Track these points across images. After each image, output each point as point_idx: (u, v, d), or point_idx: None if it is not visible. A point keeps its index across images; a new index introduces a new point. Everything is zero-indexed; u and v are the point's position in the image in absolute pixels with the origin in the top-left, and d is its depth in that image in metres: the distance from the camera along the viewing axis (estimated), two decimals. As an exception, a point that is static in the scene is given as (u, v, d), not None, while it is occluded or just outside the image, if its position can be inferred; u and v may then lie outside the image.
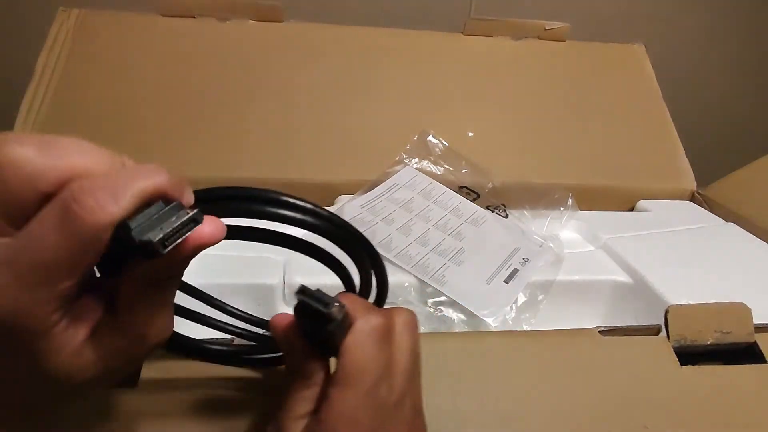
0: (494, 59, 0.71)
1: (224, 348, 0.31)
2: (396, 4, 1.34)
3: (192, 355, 0.30)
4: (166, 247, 0.17)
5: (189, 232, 0.17)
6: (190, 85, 0.62)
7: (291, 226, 0.21)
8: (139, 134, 0.58)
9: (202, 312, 0.31)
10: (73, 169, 0.17)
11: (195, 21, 0.67)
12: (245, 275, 0.43)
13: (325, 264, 0.25)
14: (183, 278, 0.31)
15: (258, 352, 0.32)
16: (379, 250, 0.47)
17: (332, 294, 0.23)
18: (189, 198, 0.19)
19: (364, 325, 0.22)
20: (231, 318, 0.33)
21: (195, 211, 0.18)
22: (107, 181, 0.17)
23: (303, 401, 0.23)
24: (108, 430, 0.28)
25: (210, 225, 0.19)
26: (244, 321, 0.33)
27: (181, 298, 0.31)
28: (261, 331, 0.32)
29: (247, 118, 0.61)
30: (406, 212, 0.53)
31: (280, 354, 0.30)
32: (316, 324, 0.22)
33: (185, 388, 0.30)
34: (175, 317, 0.30)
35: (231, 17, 0.67)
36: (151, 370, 0.31)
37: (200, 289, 0.32)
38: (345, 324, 0.22)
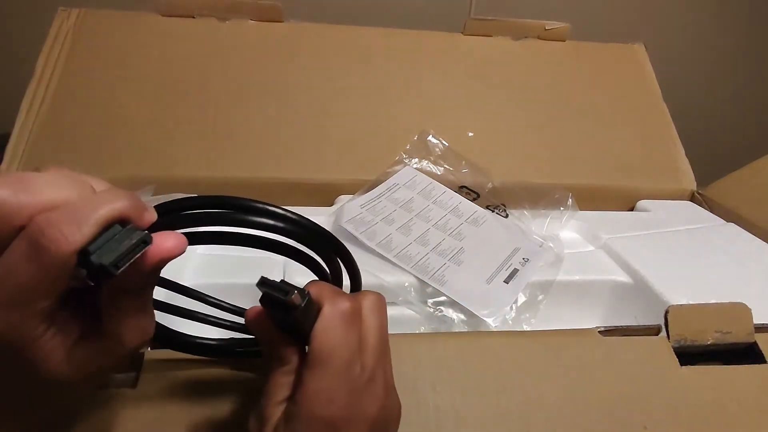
0: (494, 59, 0.71)
1: (220, 342, 0.31)
2: (396, 4, 1.34)
3: (188, 351, 0.31)
4: (119, 268, 0.18)
5: (140, 252, 0.19)
6: (190, 85, 0.62)
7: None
8: (139, 134, 0.58)
9: (198, 311, 0.32)
10: (44, 204, 0.18)
11: (195, 21, 0.67)
12: (245, 275, 0.43)
13: (290, 257, 0.25)
14: (181, 279, 0.31)
15: (255, 344, 0.32)
16: (379, 250, 0.47)
17: None
18: (149, 217, 0.21)
19: (332, 309, 0.23)
20: (228, 314, 0.33)
21: (145, 232, 0.19)
22: (70, 212, 0.18)
23: (282, 387, 0.24)
24: (108, 430, 0.28)
25: (170, 240, 0.20)
26: (239, 315, 0.33)
27: (178, 299, 0.31)
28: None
29: (246, 118, 0.61)
30: (406, 212, 0.53)
31: None
32: (282, 312, 0.22)
33: (184, 387, 0.30)
34: (173, 317, 0.30)
35: (231, 17, 0.67)
36: (150, 370, 0.31)
37: (194, 288, 0.32)
38: (312, 310, 0.23)
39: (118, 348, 0.21)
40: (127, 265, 0.19)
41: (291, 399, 0.23)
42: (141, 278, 0.20)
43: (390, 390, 0.25)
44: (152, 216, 0.21)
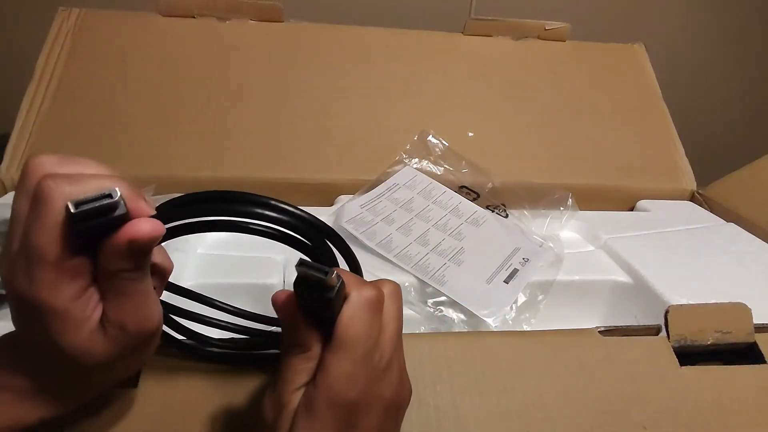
0: (494, 59, 0.71)
1: (225, 347, 0.31)
2: (396, 4, 1.34)
3: (188, 355, 0.31)
4: (78, 208, 0.19)
5: (103, 203, 0.20)
6: (190, 85, 0.62)
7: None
8: (139, 134, 0.58)
9: (200, 312, 0.32)
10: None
11: (195, 21, 0.67)
12: (245, 275, 0.43)
13: (286, 244, 0.25)
14: (182, 279, 0.31)
15: (257, 346, 0.32)
16: (379, 250, 0.47)
17: None
18: (143, 207, 0.21)
19: (359, 297, 0.24)
20: (228, 316, 0.33)
21: (114, 189, 0.20)
22: (72, 174, 0.20)
23: (301, 373, 0.24)
24: (109, 429, 0.28)
25: (145, 224, 0.21)
26: (238, 316, 0.33)
27: (177, 301, 0.31)
28: (257, 326, 0.32)
29: (246, 118, 0.61)
30: (406, 212, 0.53)
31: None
32: (316, 294, 0.23)
33: (186, 384, 0.30)
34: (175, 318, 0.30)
35: (231, 17, 0.67)
36: (152, 368, 0.31)
37: (194, 290, 0.32)
38: (341, 295, 0.24)
39: (121, 335, 0.22)
40: (86, 209, 0.19)
41: (311, 383, 0.24)
42: (123, 257, 0.21)
43: (403, 375, 0.26)
44: (146, 208, 0.21)
